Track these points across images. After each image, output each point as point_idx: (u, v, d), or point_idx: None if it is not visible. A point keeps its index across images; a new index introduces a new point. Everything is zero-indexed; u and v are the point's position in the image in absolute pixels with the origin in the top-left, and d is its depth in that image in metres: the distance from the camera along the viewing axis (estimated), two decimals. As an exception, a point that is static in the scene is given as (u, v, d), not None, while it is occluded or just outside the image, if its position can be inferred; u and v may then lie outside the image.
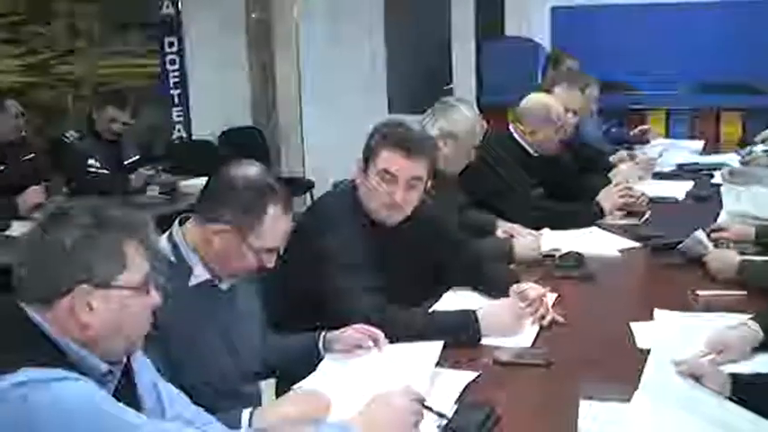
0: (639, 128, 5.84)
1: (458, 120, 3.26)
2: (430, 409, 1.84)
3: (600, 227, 3.57)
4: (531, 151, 3.79)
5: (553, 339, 2.41)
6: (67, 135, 4.83)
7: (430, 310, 2.57)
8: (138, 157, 5.08)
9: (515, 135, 3.80)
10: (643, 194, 3.83)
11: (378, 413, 1.75)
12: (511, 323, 2.43)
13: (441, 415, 1.87)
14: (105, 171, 4.81)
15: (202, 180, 4.97)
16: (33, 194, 4.32)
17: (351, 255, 2.45)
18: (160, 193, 4.75)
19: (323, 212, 2.63)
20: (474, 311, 2.42)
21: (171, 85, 6.61)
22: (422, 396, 1.85)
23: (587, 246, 3.22)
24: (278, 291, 2.53)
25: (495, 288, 2.67)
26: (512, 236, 3.26)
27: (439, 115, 3.26)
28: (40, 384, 1.41)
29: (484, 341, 2.37)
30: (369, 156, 2.55)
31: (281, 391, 2.37)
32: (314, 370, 2.20)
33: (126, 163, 5.00)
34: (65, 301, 1.51)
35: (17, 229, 3.90)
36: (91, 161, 4.77)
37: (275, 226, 2.06)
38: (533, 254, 3.13)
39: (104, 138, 4.90)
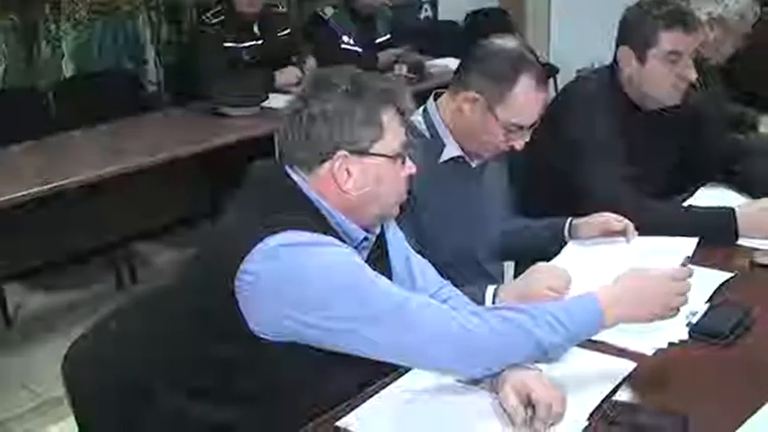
0: None
1: (728, 3, 3.00)
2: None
3: None
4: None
5: (819, 244, 2.24)
6: (324, 11, 4.94)
7: (684, 204, 2.47)
8: (388, 36, 5.12)
9: (790, 23, 3.47)
10: None
11: (634, 284, 1.60)
12: (773, 224, 2.28)
13: None
14: (357, 49, 4.89)
15: (448, 60, 4.93)
16: (290, 74, 4.53)
17: (606, 141, 2.37)
18: (407, 72, 4.78)
19: (579, 98, 2.52)
20: (733, 209, 2.30)
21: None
22: (689, 274, 1.68)
23: None
24: (525, 175, 2.51)
25: (756, 187, 2.52)
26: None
27: (708, -2, 3.02)
28: (304, 247, 1.47)
29: (741, 241, 2.26)
30: (643, 42, 2.40)
31: (519, 273, 2.38)
32: (556, 255, 2.17)
33: (377, 42, 5.05)
34: (325, 167, 1.56)
35: (274, 101, 4.06)
36: (345, 38, 4.87)
37: (526, 99, 1.99)
38: (803, 152, 2.89)
39: (361, 13, 4.94)
